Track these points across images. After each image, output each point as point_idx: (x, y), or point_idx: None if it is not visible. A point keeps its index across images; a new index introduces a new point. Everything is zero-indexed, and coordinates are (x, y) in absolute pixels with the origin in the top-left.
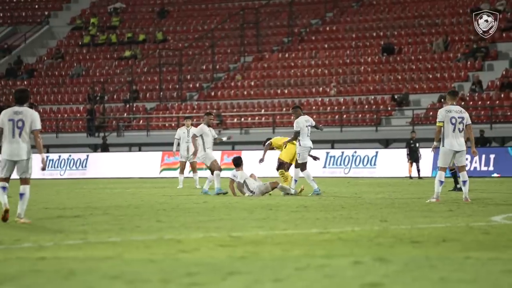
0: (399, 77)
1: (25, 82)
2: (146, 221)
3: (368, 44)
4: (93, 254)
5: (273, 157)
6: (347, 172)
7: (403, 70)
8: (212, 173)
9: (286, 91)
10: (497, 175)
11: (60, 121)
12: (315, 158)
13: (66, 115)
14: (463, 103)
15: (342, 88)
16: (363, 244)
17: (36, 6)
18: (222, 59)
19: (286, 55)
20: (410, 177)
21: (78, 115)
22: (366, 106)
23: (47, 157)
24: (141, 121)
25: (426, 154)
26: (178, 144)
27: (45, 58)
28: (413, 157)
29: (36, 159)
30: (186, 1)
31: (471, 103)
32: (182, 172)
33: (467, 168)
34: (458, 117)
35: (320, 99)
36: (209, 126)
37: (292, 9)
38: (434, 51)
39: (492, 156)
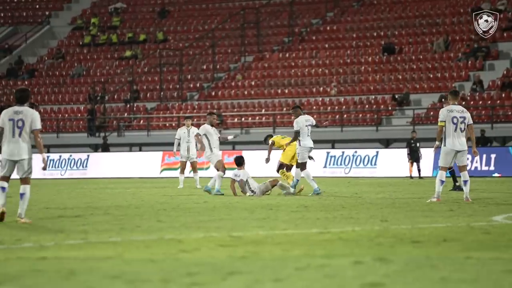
0: (400, 77)
1: (26, 82)
2: (146, 221)
3: (369, 43)
4: (93, 254)
5: (273, 157)
6: (348, 172)
7: (404, 69)
8: (223, 171)
9: (286, 91)
10: (498, 175)
11: (61, 121)
12: (310, 157)
13: (66, 115)
14: (464, 102)
15: (343, 88)
16: (364, 244)
17: (37, 6)
18: (222, 59)
19: (287, 55)
20: (411, 177)
21: (79, 115)
22: (367, 106)
23: (48, 157)
24: (142, 121)
25: (426, 154)
26: (179, 144)
27: (46, 58)
28: (414, 157)
29: (37, 159)
30: (186, 1)
31: (472, 102)
32: (182, 172)
33: (467, 168)
34: (460, 117)
35: (320, 99)
36: (212, 125)
37: (292, 8)
38: (435, 50)
39: (493, 156)
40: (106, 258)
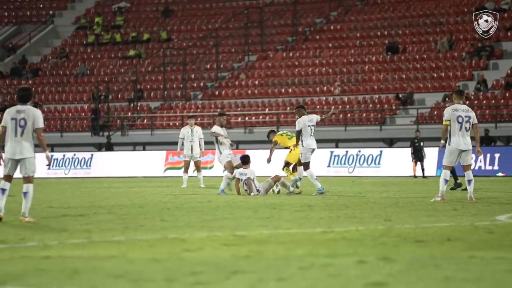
0: (404, 76)
1: (30, 81)
2: (150, 220)
3: (373, 43)
4: (97, 253)
5: (275, 157)
6: (351, 171)
7: (408, 69)
8: (231, 173)
9: (290, 90)
10: (502, 174)
11: (65, 120)
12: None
13: (70, 114)
14: (467, 102)
15: (347, 87)
16: (367, 243)
17: (41, 6)
18: (226, 58)
19: (290, 54)
20: (415, 176)
21: (83, 114)
22: (371, 105)
23: (52, 156)
24: (145, 120)
25: (430, 153)
26: (182, 144)
27: (50, 58)
28: (418, 156)
29: (41, 158)
30: (190, 1)
31: (476, 102)
32: (186, 171)
33: (471, 167)
34: (465, 116)
35: (324, 98)
36: (222, 127)
37: (296, 8)
38: (439, 50)
39: (497, 155)
40: (110, 257)
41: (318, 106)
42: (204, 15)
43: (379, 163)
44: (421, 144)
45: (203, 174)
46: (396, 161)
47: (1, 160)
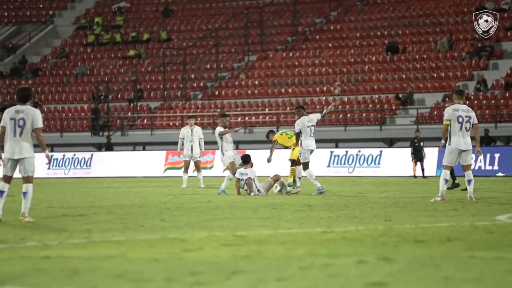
0: (404, 76)
1: (30, 81)
2: (150, 220)
3: (373, 43)
4: (97, 253)
5: (275, 157)
6: (351, 171)
7: (408, 69)
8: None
9: (290, 90)
10: (502, 174)
11: (65, 120)
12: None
13: (70, 114)
14: (467, 102)
15: (346, 87)
16: (367, 243)
17: (41, 6)
18: (226, 58)
19: (290, 54)
20: (415, 176)
21: (83, 114)
22: (370, 105)
23: (52, 156)
24: (145, 120)
25: (430, 153)
26: (182, 144)
27: (50, 58)
28: (418, 156)
29: (40, 158)
30: (190, 1)
31: (475, 102)
32: (186, 171)
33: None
34: (465, 116)
35: (324, 98)
36: (225, 127)
37: (296, 8)
38: (439, 50)
39: (496, 155)
40: (110, 257)
41: (318, 106)
42: (204, 15)
43: (379, 163)
44: (421, 144)
45: (203, 174)
46: (396, 161)
47: (1, 160)
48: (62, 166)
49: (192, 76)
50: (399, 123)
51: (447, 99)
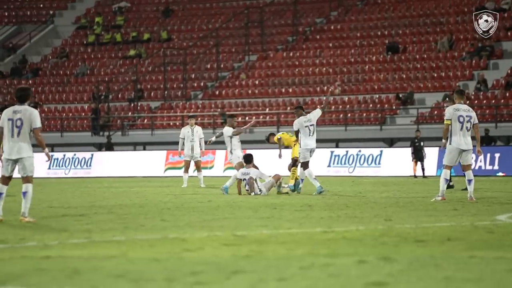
0: (404, 76)
1: (30, 81)
2: (150, 220)
3: (373, 43)
4: (97, 253)
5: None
6: (352, 171)
7: (408, 69)
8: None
9: (290, 90)
10: (502, 174)
11: (65, 120)
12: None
13: (70, 114)
14: (468, 102)
15: (347, 87)
16: (368, 243)
17: (41, 5)
18: (226, 58)
19: (291, 54)
20: (415, 176)
21: (83, 114)
22: (371, 105)
23: (52, 156)
24: (146, 120)
25: (430, 153)
26: (183, 144)
27: (50, 57)
28: (418, 156)
29: (40, 157)
30: (190, 0)
31: (476, 102)
32: (186, 171)
33: (471, 167)
34: (466, 116)
35: (324, 98)
36: (233, 128)
37: (296, 8)
38: (439, 50)
39: (497, 155)
40: (110, 257)
41: (318, 106)
42: (204, 15)
43: (379, 163)
44: (421, 144)
45: (203, 174)
46: (396, 161)
47: (0, 160)
48: (62, 166)
49: (193, 76)
50: (399, 123)
51: (447, 99)
